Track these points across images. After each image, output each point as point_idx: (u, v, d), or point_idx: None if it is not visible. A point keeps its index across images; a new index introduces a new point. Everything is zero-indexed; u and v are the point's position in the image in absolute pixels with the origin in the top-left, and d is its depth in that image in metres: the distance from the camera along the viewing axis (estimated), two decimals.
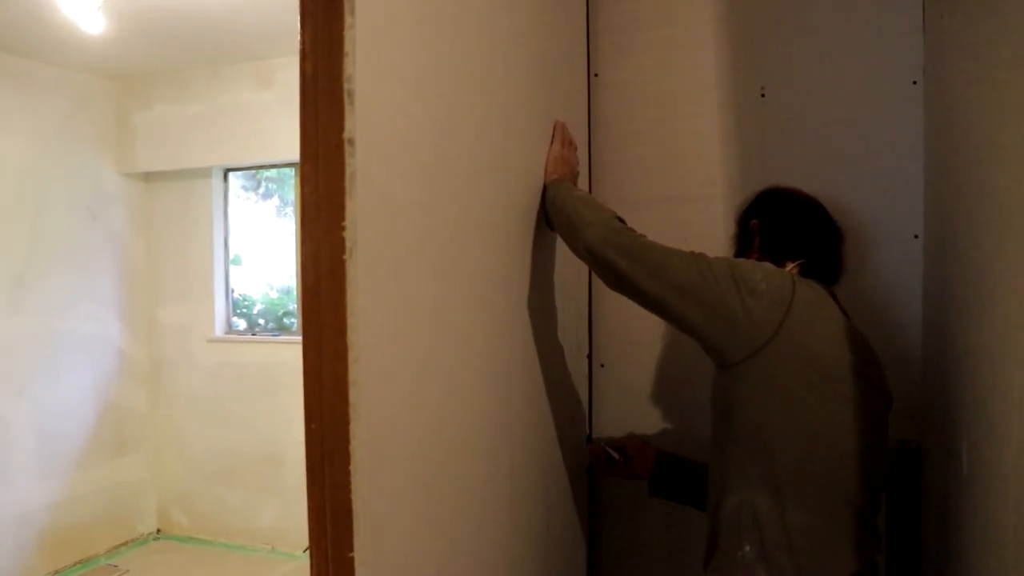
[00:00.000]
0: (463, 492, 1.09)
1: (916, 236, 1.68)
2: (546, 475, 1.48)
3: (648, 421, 1.86)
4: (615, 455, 1.68)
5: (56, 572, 3.55)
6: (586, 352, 1.84)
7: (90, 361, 3.81)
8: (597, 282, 1.85)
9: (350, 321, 0.86)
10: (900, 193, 1.68)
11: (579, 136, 1.78)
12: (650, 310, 1.31)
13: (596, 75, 1.88)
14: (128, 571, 3.61)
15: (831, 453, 1.24)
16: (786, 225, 1.43)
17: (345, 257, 0.86)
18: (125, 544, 3.87)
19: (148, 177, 4.00)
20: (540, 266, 1.44)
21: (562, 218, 1.36)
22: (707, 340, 1.29)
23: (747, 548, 1.23)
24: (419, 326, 0.98)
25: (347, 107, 0.86)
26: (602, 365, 1.91)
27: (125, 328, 3.91)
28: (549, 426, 1.50)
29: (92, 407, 3.79)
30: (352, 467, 0.86)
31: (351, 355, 0.86)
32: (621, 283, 1.29)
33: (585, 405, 1.84)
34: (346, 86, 0.86)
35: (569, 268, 1.64)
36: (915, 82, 1.66)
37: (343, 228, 0.87)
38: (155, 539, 4.07)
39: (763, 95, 1.77)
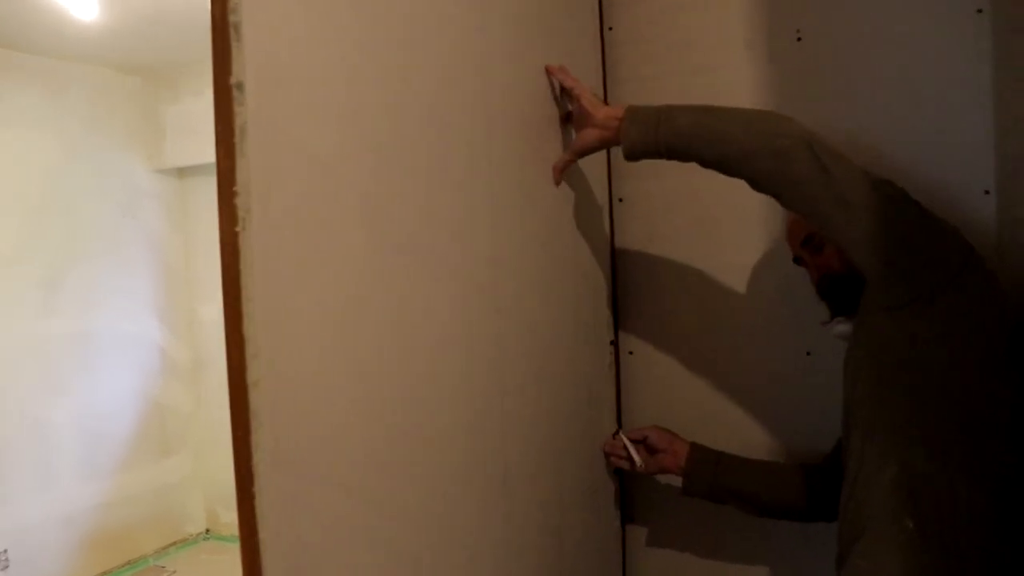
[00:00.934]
0: (428, 508, 0.92)
1: (987, 192, 1.43)
2: (559, 479, 1.30)
3: (685, 415, 1.65)
4: (634, 454, 1.49)
5: (104, 574, 3.52)
6: (609, 338, 1.65)
7: (130, 360, 3.76)
8: (623, 258, 1.66)
9: (246, 308, 0.70)
10: (966, 144, 1.44)
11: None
12: (825, 224, 1.14)
13: (610, 29, 1.68)
14: (175, 572, 3.56)
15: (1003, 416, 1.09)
16: None
17: (238, 230, 0.70)
18: (173, 544, 3.83)
19: (181, 173, 3.94)
20: (540, 238, 1.26)
21: (714, 121, 1.17)
22: (884, 268, 1.11)
23: (909, 524, 1.05)
24: (354, 314, 0.81)
25: (233, 45, 0.70)
26: (631, 353, 1.72)
27: (165, 326, 3.86)
28: (561, 423, 1.32)
29: (134, 407, 3.75)
30: (257, 504, 0.70)
31: (248, 350, 0.70)
32: (817, 185, 1.10)
33: (612, 398, 1.65)
34: (231, 18, 0.70)
35: (582, 240, 1.45)
36: (980, 11, 1.41)
37: (235, 194, 0.71)
38: (204, 539, 4.02)
39: (799, 39, 1.54)
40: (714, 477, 1.47)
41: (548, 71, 1.30)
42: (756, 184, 1.17)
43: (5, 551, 3.30)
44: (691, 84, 1.64)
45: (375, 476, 0.82)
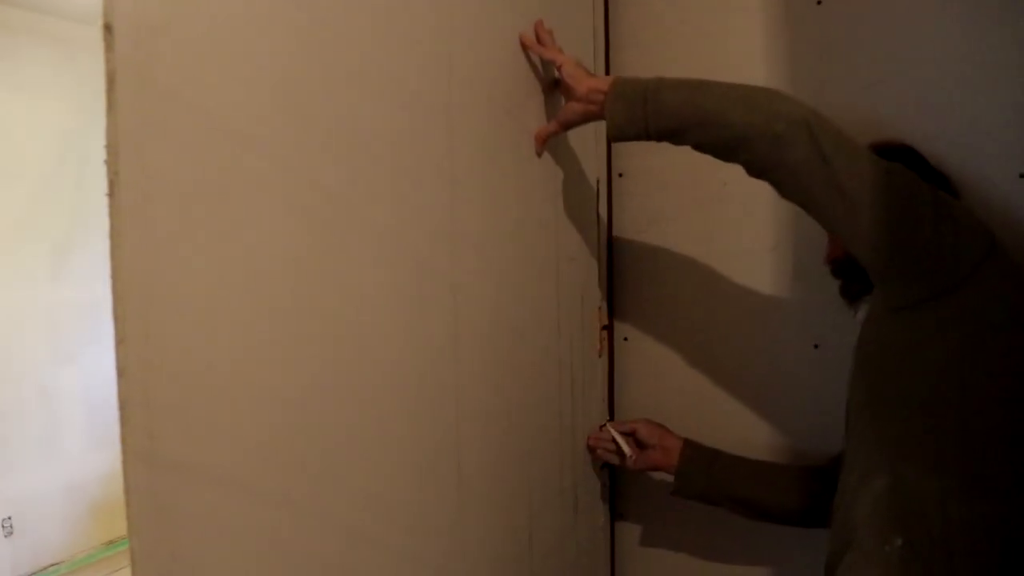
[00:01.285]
0: (357, 512, 0.82)
1: (1022, 175, 1.30)
2: (527, 476, 1.19)
3: (681, 407, 1.55)
4: (624, 446, 1.39)
5: (110, 543, 3.51)
6: (602, 323, 1.54)
7: None
8: (621, 238, 1.55)
9: (115, 287, 0.61)
10: (1000, 123, 1.30)
11: (593, 65, 1.47)
12: (825, 216, 1.03)
13: None
14: None
15: (1011, 428, 0.98)
16: None
17: (107, 195, 0.61)
18: None
19: None
20: (514, 213, 1.15)
21: (706, 99, 1.05)
22: (890, 265, 1.01)
23: (898, 541, 0.97)
24: (253, 295, 0.70)
25: None
26: (626, 339, 1.61)
27: None
28: (534, 415, 1.22)
29: None
30: (128, 508, 0.61)
31: (116, 333, 0.61)
32: (816, 173, 0.98)
33: (603, 387, 1.54)
34: None
35: (567, 217, 1.34)
36: None
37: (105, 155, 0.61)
38: None
39: (819, 2, 1.41)
40: (708, 478, 1.36)
41: (523, 43, 1.18)
42: (752, 170, 1.06)
43: (9, 519, 3.29)
44: (698, 51, 1.51)
45: (282, 477, 0.73)
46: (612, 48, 1.57)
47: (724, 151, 1.06)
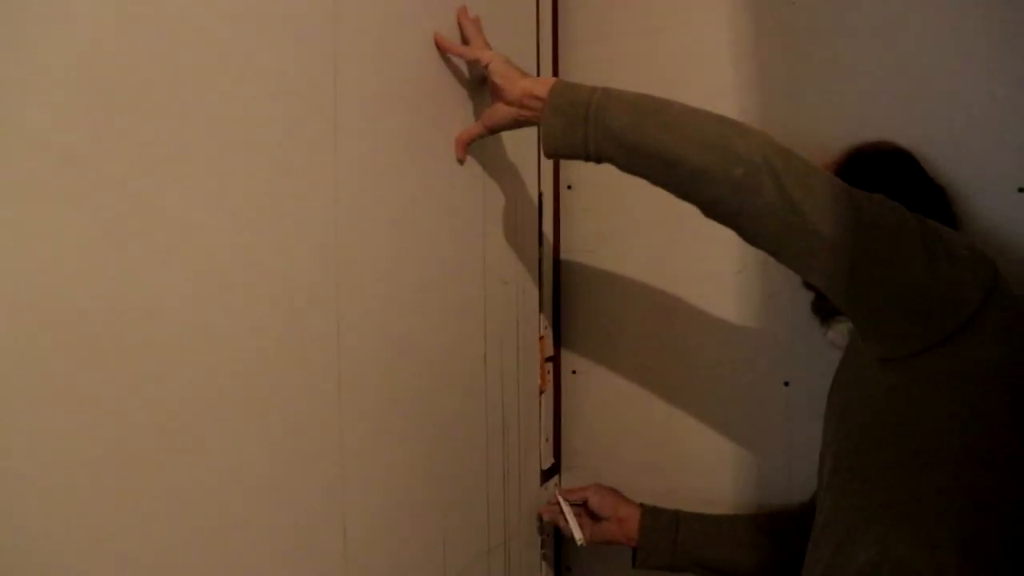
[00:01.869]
0: None
1: (1021, 190, 1.12)
2: (439, 537, 1.00)
3: (638, 449, 1.37)
4: (574, 527, 1.21)
5: None
6: (546, 354, 1.35)
7: None
8: (570, 258, 1.37)
9: None
10: (998, 133, 1.13)
11: (535, 65, 1.29)
12: (796, 265, 0.87)
13: None
14: None
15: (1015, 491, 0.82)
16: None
17: None
18: None
19: None
20: (422, 229, 0.97)
21: (658, 130, 0.87)
22: (876, 316, 0.86)
23: None
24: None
25: None
26: (574, 372, 1.42)
27: None
28: (448, 466, 1.03)
29: None
30: None
31: None
32: (783, 220, 0.82)
33: (547, 428, 1.35)
34: None
35: (499, 233, 1.15)
36: None
37: None
38: None
39: None
40: (673, 545, 1.19)
41: (437, 45, 1.00)
42: (708, 214, 0.89)
43: None
44: (657, 46, 1.33)
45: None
46: (561, 44, 1.39)
47: (675, 190, 0.90)
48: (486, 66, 0.98)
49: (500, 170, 1.15)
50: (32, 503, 0.50)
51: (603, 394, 1.40)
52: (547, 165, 1.35)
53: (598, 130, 0.90)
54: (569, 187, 1.41)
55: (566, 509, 1.23)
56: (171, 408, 0.60)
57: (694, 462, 1.33)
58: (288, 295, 0.74)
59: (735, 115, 1.20)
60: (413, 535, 0.95)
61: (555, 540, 1.38)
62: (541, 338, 1.33)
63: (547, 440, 1.36)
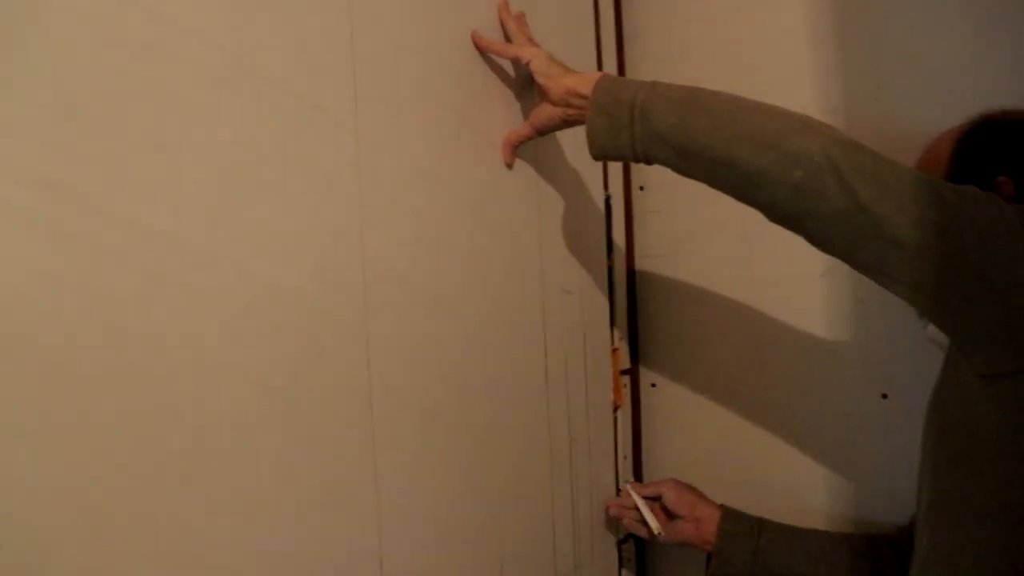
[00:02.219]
0: None
1: None
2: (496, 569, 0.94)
3: (721, 465, 1.27)
4: (650, 519, 1.12)
5: None
6: (621, 367, 1.27)
7: None
8: (645, 265, 1.28)
9: None
10: None
11: (595, 60, 1.22)
12: (874, 275, 0.78)
13: None
14: None
15: None
16: None
17: None
18: None
19: None
20: (470, 239, 0.92)
21: (707, 130, 0.79)
22: (971, 331, 0.76)
23: None
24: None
25: None
26: (653, 385, 1.34)
27: None
28: (503, 493, 0.97)
29: None
30: None
31: None
32: (852, 225, 0.73)
33: (624, 444, 1.27)
34: None
35: (559, 240, 1.09)
36: None
37: None
38: None
39: None
40: (753, 556, 1.08)
41: (476, 44, 0.94)
42: (772, 218, 0.81)
43: None
44: (729, 31, 1.24)
45: None
46: (626, 35, 1.31)
47: (733, 194, 0.82)
48: (527, 64, 0.92)
49: (558, 173, 1.09)
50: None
51: (685, 408, 1.30)
52: (615, 166, 1.27)
53: (645, 131, 0.83)
54: (641, 188, 1.32)
55: (640, 503, 1.14)
56: (188, 445, 0.57)
57: (784, 480, 1.22)
58: (311, 317, 0.69)
59: (816, 103, 1.14)
60: (464, 565, 0.89)
61: (638, 560, 1.30)
62: (615, 350, 1.25)
63: (625, 457, 1.28)
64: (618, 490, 1.23)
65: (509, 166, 0.99)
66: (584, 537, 1.13)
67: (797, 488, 1.20)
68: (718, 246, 1.26)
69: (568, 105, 0.91)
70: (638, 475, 1.32)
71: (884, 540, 1.06)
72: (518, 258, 1.01)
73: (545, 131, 0.96)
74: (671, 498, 1.14)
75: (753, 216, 1.15)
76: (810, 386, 1.19)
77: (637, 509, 1.15)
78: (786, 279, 1.20)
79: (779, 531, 1.10)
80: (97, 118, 0.53)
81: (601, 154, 0.88)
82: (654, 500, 1.16)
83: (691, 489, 1.16)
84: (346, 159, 0.74)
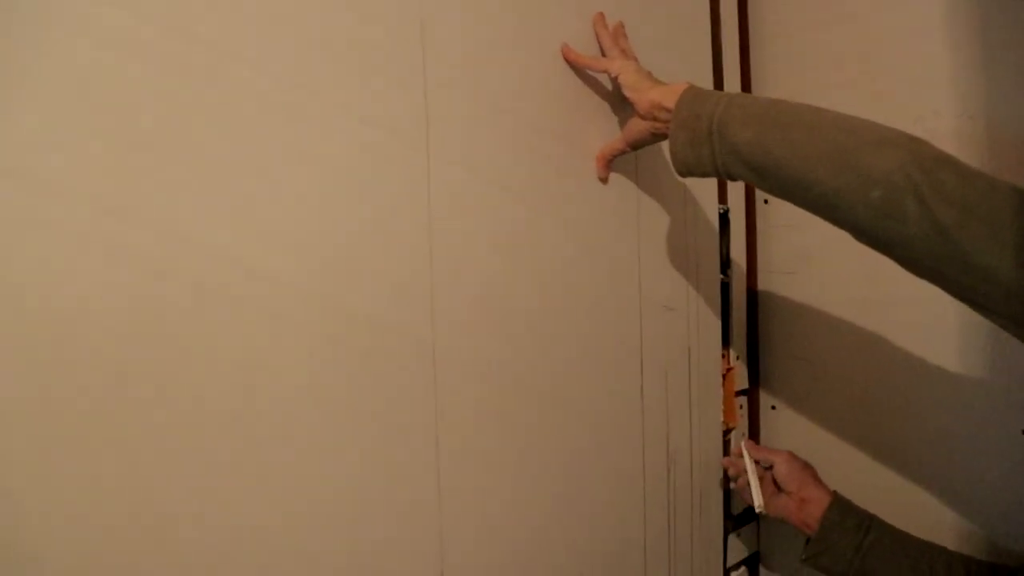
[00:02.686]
0: None
1: None
2: None
3: (845, 490, 1.18)
4: (754, 489, 1.09)
5: None
6: (737, 387, 1.22)
7: None
8: (768, 282, 1.23)
9: None
10: None
11: (711, 73, 1.18)
12: (967, 304, 0.71)
13: None
14: None
15: None
16: None
17: None
18: None
19: None
20: (549, 253, 0.91)
21: (782, 148, 0.75)
22: None
23: None
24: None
25: None
26: (773, 408, 1.27)
27: None
28: (596, 519, 0.96)
29: None
30: None
31: None
32: (935, 252, 0.67)
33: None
34: None
35: (657, 257, 1.06)
36: None
37: None
38: None
39: None
40: (855, 553, 1.01)
41: (566, 58, 0.93)
42: (859, 239, 0.76)
43: None
44: (860, 32, 1.16)
45: None
46: (752, 43, 1.26)
47: (818, 214, 0.77)
48: (615, 78, 0.91)
49: (662, 187, 1.06)
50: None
51: (806, 433, 1.23)
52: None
53: (723, 146, 0.80)
54: (766, 202, 1.26)
55: (749, 467, 1.10)
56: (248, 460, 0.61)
57: (909, 517, 1.11)
58: (376, 338, 0.72)
59: (953, 106, 1.04)
60: None
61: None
62: (729, 370, 1.21)
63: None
64: (733, 516, 1.18)
65: (604, 180, 0.98)
66: (683, 561, 1.09)
67: (919, 525, 1.09)
68: (847, 263, 1.18)
69: (655, 119, 0.89)
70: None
71: (1006, 571, 0.95)
72: (612, 272, 0.99)
73: (637, 145, 0.95)
74: (782, 471, 1.08)
75: None
76: (943, 416, 1.09)
77: (744, 478, 1.11)
78: (920, 299, 1.11)
79: (890, 535, 1.02)
80: (167, 148, 0.57)
81: (685, 169, 0.85)
82: (767, 469, 1.11)
83: (805, 466, 1.09)
84: (418, 175, 0.76)
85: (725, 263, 1.20)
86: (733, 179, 0.82)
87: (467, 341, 0.80)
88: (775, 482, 1.09)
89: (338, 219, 0.69)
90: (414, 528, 0.74)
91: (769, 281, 1.25)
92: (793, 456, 1.10)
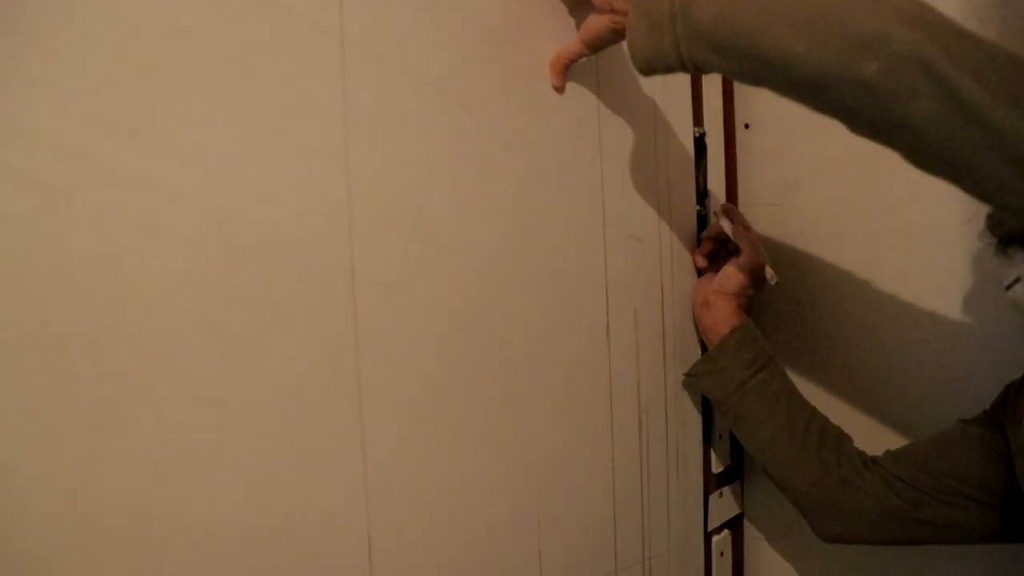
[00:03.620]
0: None
1: None
2: (538, 569, 0.82)
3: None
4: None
5: None
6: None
7: None
8: (750, 217, 1.10)
9: None
10: None
11: None
12: (993, 200, 0.60)
13: None
14: None
15: None
16: None
17: None
18: None
19: None
20: (499, 177, 0.79)
21: (754, 19, 0.62)
22: None
23: None
24: None
25: None
26: None
27: None
28: (556, 473, 0.84)
29: None
30: None
31: None
32: (956, 137, 0.55)
33: (722, 421, 1.10)
34: None
35: (623, 186, 0.94)
36: None
37: None
38: None
39: None
40: (739, 388, 0.96)
41: None
42: (854, 129, 0.63)
43: None
44: None
45: None
46: None
47: (799, 99, 0.64)
48: None
49: (628, 102, 0.93)
50: None
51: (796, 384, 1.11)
52: (713, 99, 1.10)
53: (687, 30, 0.67)
54: (747, 126, 1.14)
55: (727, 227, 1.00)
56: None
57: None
58: (279, 257, 0.59)
59: None
60: (493, 557, 0.77)
61: (734, 555, 1.12)
62: None
63: (721, 437, 1.11)
64: (714, 476, 1.07)
65: (559, 89, 0.85)
66: (658, 528, 0.98)
67: None
68: (836, 190, 1.07)
69: (614, 11, 0.76)
70: (737, 459, 1.15)
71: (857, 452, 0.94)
72: (571, 197, 0.86)
73: (596, 46, 0.82)
74: (734, 268, 0.98)
75: (878, 151, 0.96)
76: (947, 365, 0.98)
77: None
78: (918, 229, 0.99)
79: (780, 383, 0.97)
80: None
81: (645, 65, 0.72)
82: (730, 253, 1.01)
83: (752, 274, 0.98)
84: (328, 69, 0.63)
85: (702, 194, 1.08)
86: (701, 70, 0.69)
87: (396, 276, 0.67)
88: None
89: (232, 120, 0.55)
90: (336, 492, 0.62)
91: (751, 213, 1.13)
92: (755, 254, 0.98)
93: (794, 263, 1.10)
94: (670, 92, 1.00)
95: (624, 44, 0.76)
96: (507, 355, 0.78)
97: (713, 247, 1.04)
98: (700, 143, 1.07)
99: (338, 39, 0.63)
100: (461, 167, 0.74)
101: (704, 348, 1.04)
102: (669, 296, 1.00)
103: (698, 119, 1.07)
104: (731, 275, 0.98)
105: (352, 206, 0.63)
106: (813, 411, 0.97)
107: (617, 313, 0.91)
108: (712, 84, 1.09)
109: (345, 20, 0.64)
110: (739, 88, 1.12)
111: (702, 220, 1.07)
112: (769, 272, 0.99)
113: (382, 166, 0.66)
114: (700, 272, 1.05)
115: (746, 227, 1.00)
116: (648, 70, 0.73)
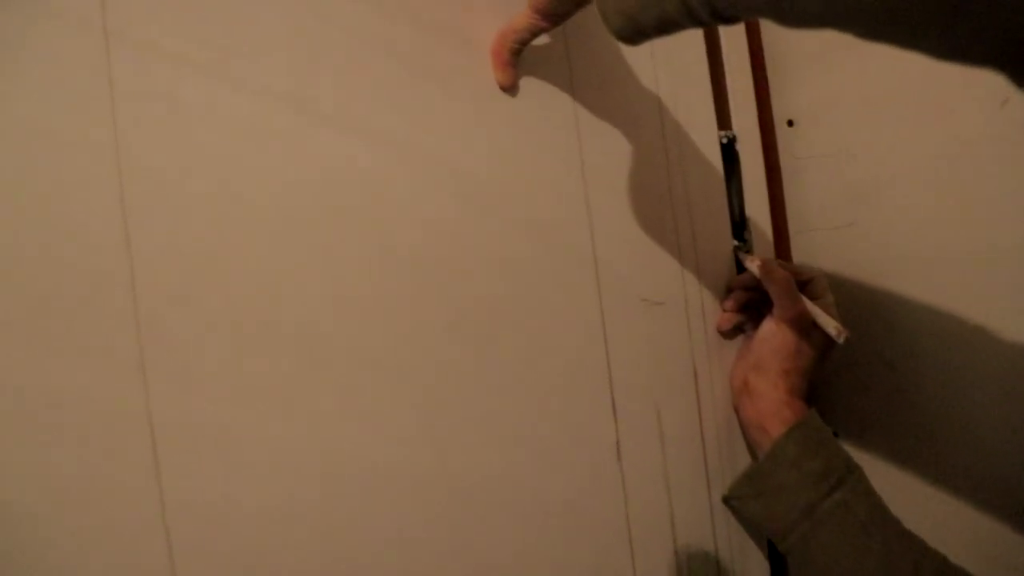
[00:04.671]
0: None
1: None
2: None
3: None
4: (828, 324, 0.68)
5: None
6: None
7: None
8: (808, 243, 0.78)
9: None
10: None
11: None
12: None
13: None
14: None
15: None
16: None
17: None
18: None
19: None
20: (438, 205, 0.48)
21: None
22: None
23: None
24: None
25: None
26: (836, 435, 0.83)
27: None
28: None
29: None
30: None
31: None
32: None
33: None
34: None
35: (626, 214, 0.63)
36: None
37: None
38: None
39: None
40: (806, 517, 0.62)
41: None
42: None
43: None
44: None
45: None
46: None
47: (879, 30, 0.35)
48: None
49: (621, 104, 0.62)
50: None
51: (881, 471, 0.79)
52: (743, 91, 0.78)
53: None
54: (791, 123, 0.82)
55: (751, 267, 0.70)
56: None
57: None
58: None
59: None
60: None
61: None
62: None
63: None
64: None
65: (506, 87, 0.54)
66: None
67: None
68: (912, 203, 0.74)
69: None
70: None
71: None
72: (544, 250, 0.55)
73: (556, 15, 0.51)
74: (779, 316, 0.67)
75: (967, 145, 0.64)
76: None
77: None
78: (1010, 247, 0.67)
79: (867, 503, 0.63)
80: None
81: (626, 23, 0.43)
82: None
83: (800, 332, 0.67)
84: None
85: (738, 223, 0.76)
86: (723, 18, 0.39)
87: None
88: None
89: None
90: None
91: (807, 243, 0.81)
92: (792, 302, 0.67)
93: (876, 307, 0.78)
94: (681, 83, 0.69)
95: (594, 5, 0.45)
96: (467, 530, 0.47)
97: (747, 298, 0.72)
98: (729, 151, 0.75)
99: None
100: (370, 234, 0.43)
101: (754, 455, 0.72)
102: (706, 382, 0.68)
103: (724, 120, 0.75)
104: (768, 339, 0.67)
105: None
106: (924, 547, 0.63)
107: (630, 422, 0.60)
108: (740, 71, 0.78)
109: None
110: (778, 73, 0.81)
111: (735, 263, 0.75)
112: (834, 325, 0.67)
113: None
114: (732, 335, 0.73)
115: (774, 264, 0.69)
116: (631, 31, 0.43)
